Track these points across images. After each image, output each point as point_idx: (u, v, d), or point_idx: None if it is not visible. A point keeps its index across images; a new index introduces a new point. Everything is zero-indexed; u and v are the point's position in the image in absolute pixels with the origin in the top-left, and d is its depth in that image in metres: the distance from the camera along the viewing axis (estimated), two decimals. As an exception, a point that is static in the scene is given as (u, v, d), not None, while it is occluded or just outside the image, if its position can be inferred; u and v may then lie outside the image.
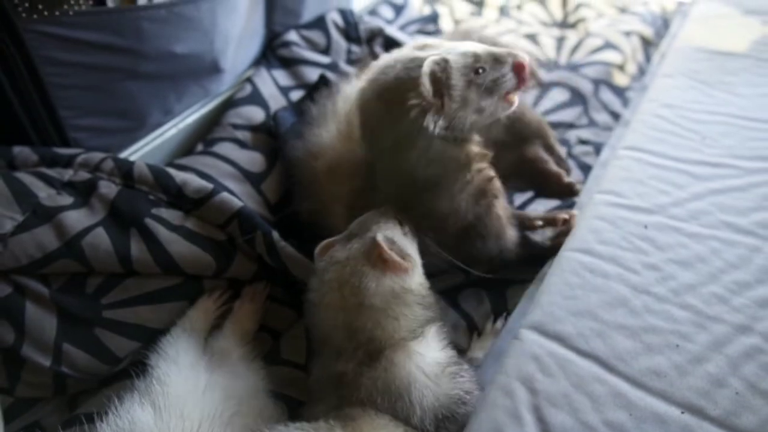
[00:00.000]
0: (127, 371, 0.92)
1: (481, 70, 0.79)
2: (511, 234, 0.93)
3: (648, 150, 1.08)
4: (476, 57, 0.80)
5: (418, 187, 0.83)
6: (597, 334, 0.78)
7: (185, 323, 0.92)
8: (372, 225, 0.77)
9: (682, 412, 0.69)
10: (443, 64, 0.78)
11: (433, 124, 0.77)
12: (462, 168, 0.84)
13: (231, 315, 0.95)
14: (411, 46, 0.87)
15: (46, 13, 0.90)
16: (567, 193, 1.13)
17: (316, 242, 0.98)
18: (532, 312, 0.82)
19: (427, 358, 0.71)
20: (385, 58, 0.86)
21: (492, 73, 0.80)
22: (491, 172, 0.89)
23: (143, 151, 1.16)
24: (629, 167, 1.05)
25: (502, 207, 0.91)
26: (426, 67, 0.75)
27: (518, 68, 0.81)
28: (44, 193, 0.94)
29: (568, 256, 0.90)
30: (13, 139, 1.04)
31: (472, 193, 0.85)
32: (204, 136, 1.23)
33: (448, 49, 0.81)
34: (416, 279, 0.76)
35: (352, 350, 0.70)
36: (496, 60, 0.80)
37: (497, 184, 0.91)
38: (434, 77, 0.77)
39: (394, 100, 0.78)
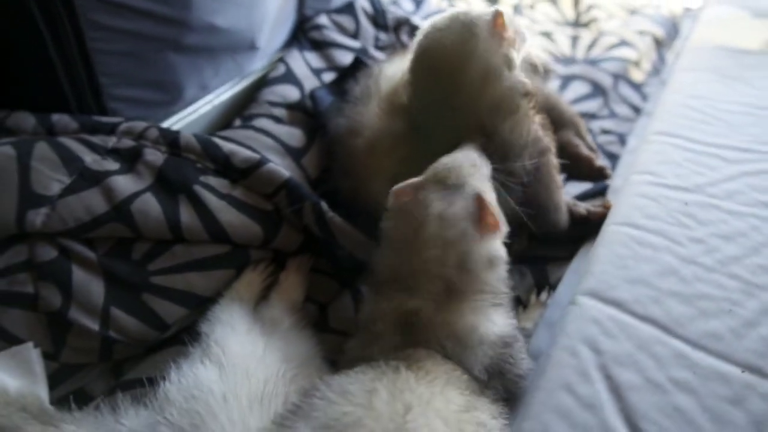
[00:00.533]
0: (174, 338, 0.92)
1: None
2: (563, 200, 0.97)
3: (679, 135, 1.11)
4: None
5: (499, 118, 0.86)
6: (653, 300, 0.80)
7: (232, 294, 0.91)
8: (467, 175, 0.75)
9: (743, 371, 0.71)
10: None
11: (518, 56, 0.87)
12: (526, 95, 0.90)
13: (277, 286, 0.95)
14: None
15: (101, -26, 0.89)
16: (598, 176, 1.17)
17: (356, 219, 0.99)
18: (585, 280, 0.84)
19: (497, 326, 0.71)
20: (435, 20, 0.89)
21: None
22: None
23: (178, 125, 1.15)
24: (663, 151, 1.08)
25: (555, 164, 0.95)
26: (504, 11, 0.86)
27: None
28: (89, 158, 0.93)
29: (614, 229, 0.92)
30: (51, 106, 1.02)
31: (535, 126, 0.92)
32: (236, 113, 1.22)
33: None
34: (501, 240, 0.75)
35: (433, 291, 0.69)
36: None
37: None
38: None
39: (480, 37, 0.84)
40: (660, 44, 1.71)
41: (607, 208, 1.03)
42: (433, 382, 0.63)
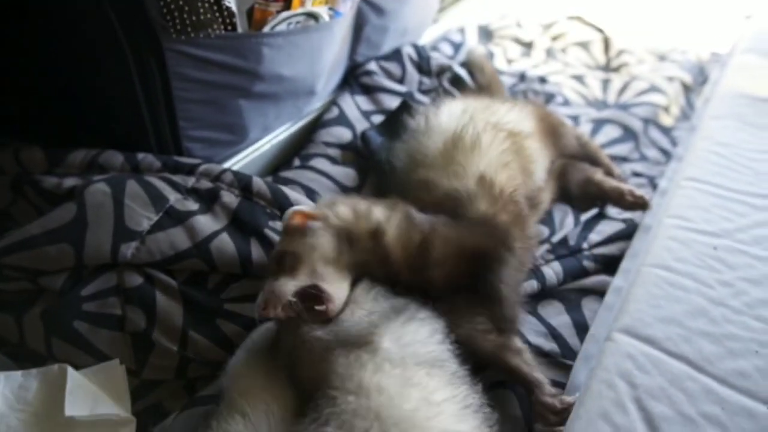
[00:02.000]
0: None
1: None
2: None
3: (708, 182, 1.19)
4: None
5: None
6: (684, 339, 0.87)
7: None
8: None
9: (768, 408, 0.78)
10: None
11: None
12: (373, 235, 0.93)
13: None
14: None
15: (192, 34, 1.02)
16: (639, 206, 1.23)
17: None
18: (620, 318, 0.92)
19: None
20: None
21: None
22: None
23: (242, 162, 1.27)
24: (692, 196, 1.16)
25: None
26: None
27: None
28: (173, 197, 1.04)
29: (647, 270, 0.99)
30: (135, 145, 1.15)
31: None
32: (293, 151, 1.34)
33: None
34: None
35: None
36: None
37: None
38: None
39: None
40: (688, 89, 1.79)
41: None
42: None
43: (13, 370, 0.90)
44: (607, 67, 1.97)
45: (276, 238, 1.02)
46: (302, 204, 1.06)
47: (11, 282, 0.98)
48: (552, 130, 1.26)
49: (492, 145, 1.09)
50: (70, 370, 0.87)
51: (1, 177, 1.18)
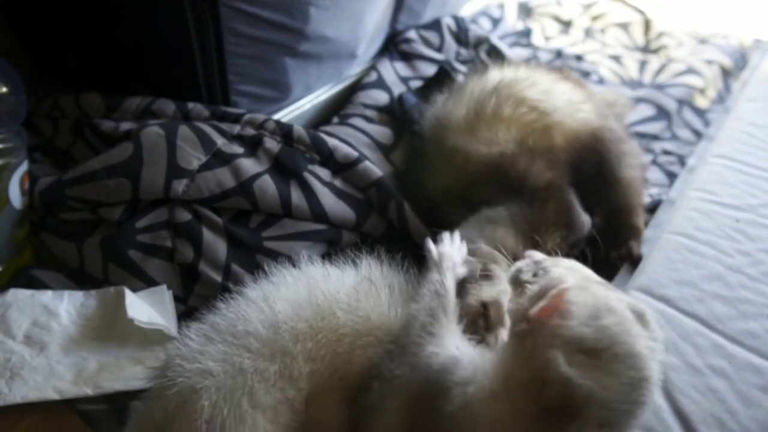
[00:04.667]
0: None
1: None
2: None
3: (736, 159, 1.21)
4: None
5: None
6: (697, 300, 0.91)
7: None
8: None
9: (775, 365, 0.82)
10: None
11: None
12: None
13: None
14: None
15: (246, -9, 1.08)
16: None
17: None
18: (638, 278, 0.96)
19: None
20: None
21: None
22: None
23: (283, 120, 1.33)
24: (720, 172, 1.18)
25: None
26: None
27: None
28: (220, 141, 1.11)
29: (668, 237, 1.03)
30: (186, 96, 1.22)
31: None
32: (332, 112, 1.40)
33: None
34: None
35: None
36: None
37: None
38: None
39: None
40: (727, 74, 1.78)
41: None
42: None
43: (79, 290, 1.00)
44: (645, 49, 1.97)
45: (314, 181, 1.09)
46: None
47: (74, 212, 1.08)
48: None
49: (512, 117, 1.08)
50: (127, 290, 0.97)
51: (63, 120, 1.27)
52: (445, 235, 0.83)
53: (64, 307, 0.97)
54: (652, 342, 0.57)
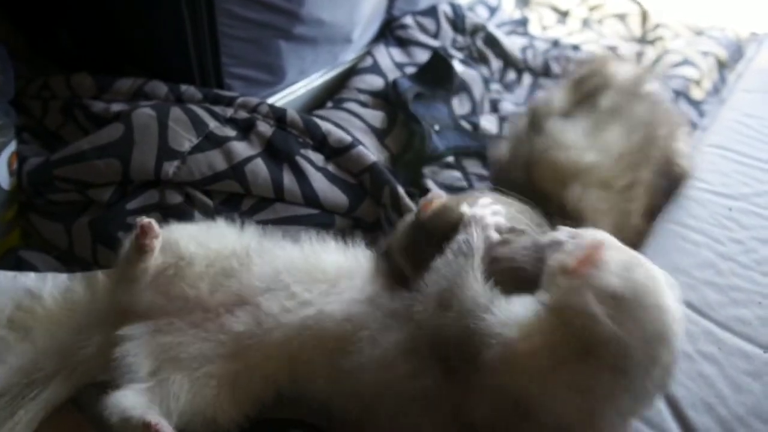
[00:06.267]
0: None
1: None
2: None
3: (731, 149, 1.21)
4: None
5: None
6: (689, 287, 0.91)
7: None
8: None
9: (764, 351, 0.82)
10: None
11: None
12: None
13: None
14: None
15: (240, -29, 1.07)
16: None
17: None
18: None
19: None
20: None
21: None
22: None
23: (278, 104, 1.32)
24: (713, 161, 1.18)
25: None
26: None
27: None
28: (212, 124, 1.10)
29: (661, 225, 1.03)
30: (179, 78, 1.21)
31: None
32: (327, 97, 1.39)
33: None
34: None
35: None
36: None
37: None
38: None
39: None
40: (723, 65, 1.78)
41: None
42: None
43: (64, 273, 0.99)
44: (642, 40, 1.96)
45: (307, 165, 1.08)
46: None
47: (62, 193, 1.06)
48: None
49: None
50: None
51: (53, 101, 1.26)
52: (483, 200, 0.83)
53: (48, 290, 0.95)
54: (677, 304, 0.61)
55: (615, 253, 0.63)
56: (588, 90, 1.07)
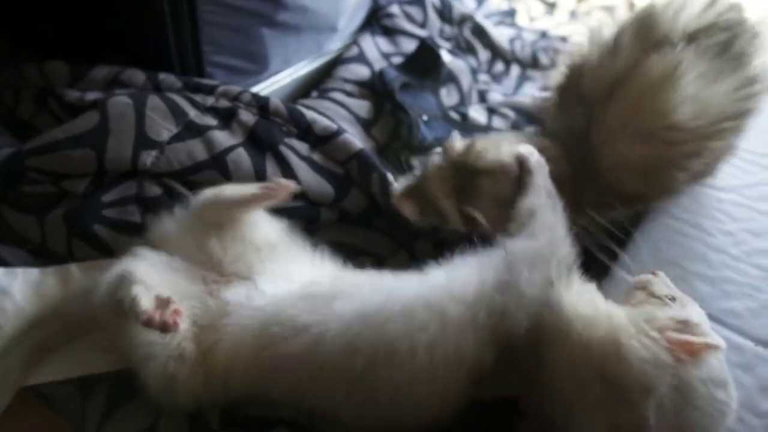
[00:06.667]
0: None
1: None
2: None
3: (720, 141, 1.20)
4: None
5: None
6: (680, 279, 0.89)
7: None
8: None
9: (756, 344, 0.81)
10: None
11: None
12: None
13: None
14: None
15: (221, -45, 1.03)
16: None
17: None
18: (620, 257, 0.94)
19: None
20: None
21: None
22: None
23: (261, 93, 1.29)
24: (704, 153, 1.17)
25: None
26: None
27: None
28: (192, 113, 1.06)
29: (652, 217, 1.02)
30: (158, 66, 1.16)
31: None
32: (312, 87, 1.35)
33: None
34: None
35: None
36: None
37: None
38: None
39: None
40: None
41: None
42: None
43: (36, 267, 0.95)
44: (630, 32, 1.95)
45: (291, 155, 1.05)
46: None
47: (35, 185, 1.02)
48: None
49: None
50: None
51: (26, 89, 1.21)
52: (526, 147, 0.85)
53: (19, 286, 0.91)
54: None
55: (717, 359, 0.64)
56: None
